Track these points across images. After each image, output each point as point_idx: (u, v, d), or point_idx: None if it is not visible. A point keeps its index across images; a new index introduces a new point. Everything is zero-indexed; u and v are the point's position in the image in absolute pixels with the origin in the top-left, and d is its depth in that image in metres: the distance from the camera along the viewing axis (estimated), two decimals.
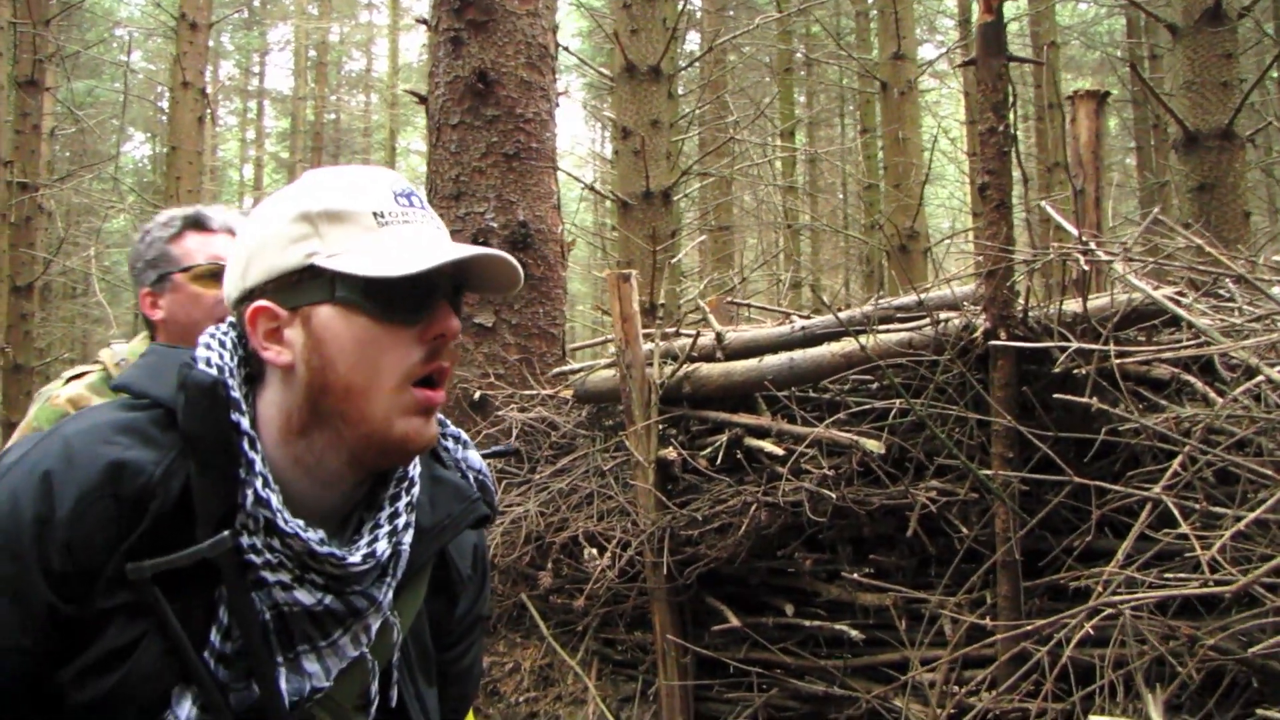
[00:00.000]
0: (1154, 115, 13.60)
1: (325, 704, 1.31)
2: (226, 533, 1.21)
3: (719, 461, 3.91)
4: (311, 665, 1.29)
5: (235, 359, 1.31)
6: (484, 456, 1.58)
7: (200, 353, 1.30)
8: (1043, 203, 3.61)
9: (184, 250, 2.51)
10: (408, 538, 1.35)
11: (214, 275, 2.47)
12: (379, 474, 1.37)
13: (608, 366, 4.52)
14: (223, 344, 1.32)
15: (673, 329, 4.52)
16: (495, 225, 5.47)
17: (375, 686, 1.34)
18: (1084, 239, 3.30)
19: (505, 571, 4.69)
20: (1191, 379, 2.98)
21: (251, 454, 1.24)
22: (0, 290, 10.97)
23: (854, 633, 3.56)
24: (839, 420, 3.58)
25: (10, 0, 10.71)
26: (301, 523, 1.26)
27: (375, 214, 1.29)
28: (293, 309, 1.28)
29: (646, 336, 4.31)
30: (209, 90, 14.36)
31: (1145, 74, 12.54)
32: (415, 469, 1.40)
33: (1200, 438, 2.73)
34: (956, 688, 3.23)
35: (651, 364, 4.17)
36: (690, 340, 4.15)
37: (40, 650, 1.17)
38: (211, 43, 14.82)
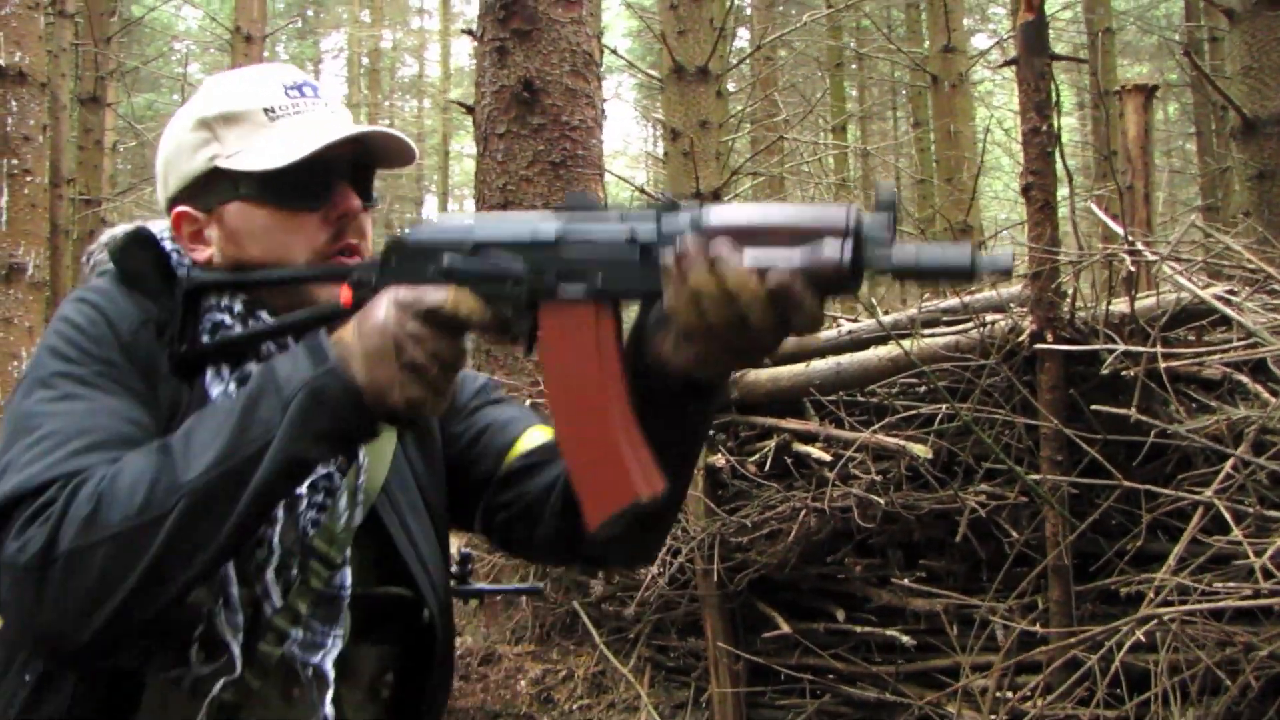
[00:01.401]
0: (1214, 101, 13.33)
1: (320, 532, 1.35)
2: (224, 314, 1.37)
3: (768, 467, 3.90)
4: None
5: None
6: (504, 593, 1.65)
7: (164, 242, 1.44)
8: (1089, 203, 3.56)
9: None
10: None
11: None
12: None
13: None
14: (170, 235, 1.45)
15: None
16: None
17: (343, 503, 1.37)
18: (1130, 238, 3.26)
19: (557, 580, 4.72)
20: (1243, 378, 2.93)
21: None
22: None
23: (905, 638, 3.55)
24: (887, 424, 3.56)
25: (72, 22, 10.94)
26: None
27: (266, 110, 1.38)
28: (207, 210, 1.40)
29: None
30: None
31: (1205, 58, 12.29)
32: None
33: (1253, 440, 2.69)
34: (1009, 694, 3.20)
35: None
36: None
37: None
38: (266, 53, 15.04)
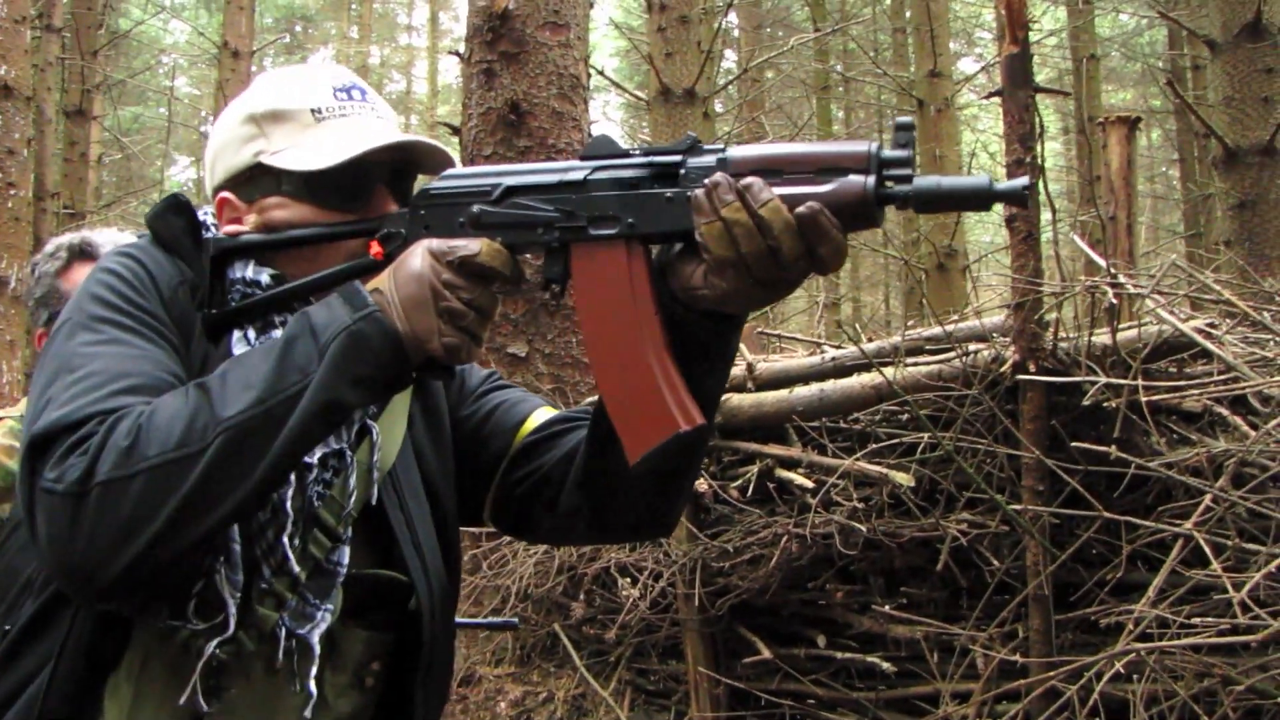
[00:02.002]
0: (1196, 128, 13.44)
1: (327, 504, 1.36)
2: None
3: (750, 492, 3.90)
4: None
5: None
6: (480, 627, 1.65)
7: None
8: (1072, 234, 3.59)
9: (72, 284, 2.34)
10: None
11: None
12: None
13: None
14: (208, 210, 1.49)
15: None
16: (528, 255, 5.51)
17: (354, 479, 1.38)
18: (1113, 269, 3.28)
19: (538, 601, 4.70)
20: (1224, 411, 2.95)
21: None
22: None
23: (886, 665, 3.54)
24: (870, 452, 3.57)
25: (59, 36, 10.92)
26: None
27: (314, 110, 1.42)
28: (249, 201, 1.43)
29: None
30: None
31: (1188, 85, 12.40)
32: None
33: (1232, 473, 2.71)
34: None
35: None
36: None
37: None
38: (254, 68, 15.04)
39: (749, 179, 1.15)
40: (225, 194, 1.45)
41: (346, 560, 1.37)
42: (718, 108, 11.79)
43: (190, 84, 24.86)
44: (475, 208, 1.29)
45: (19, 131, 7.64)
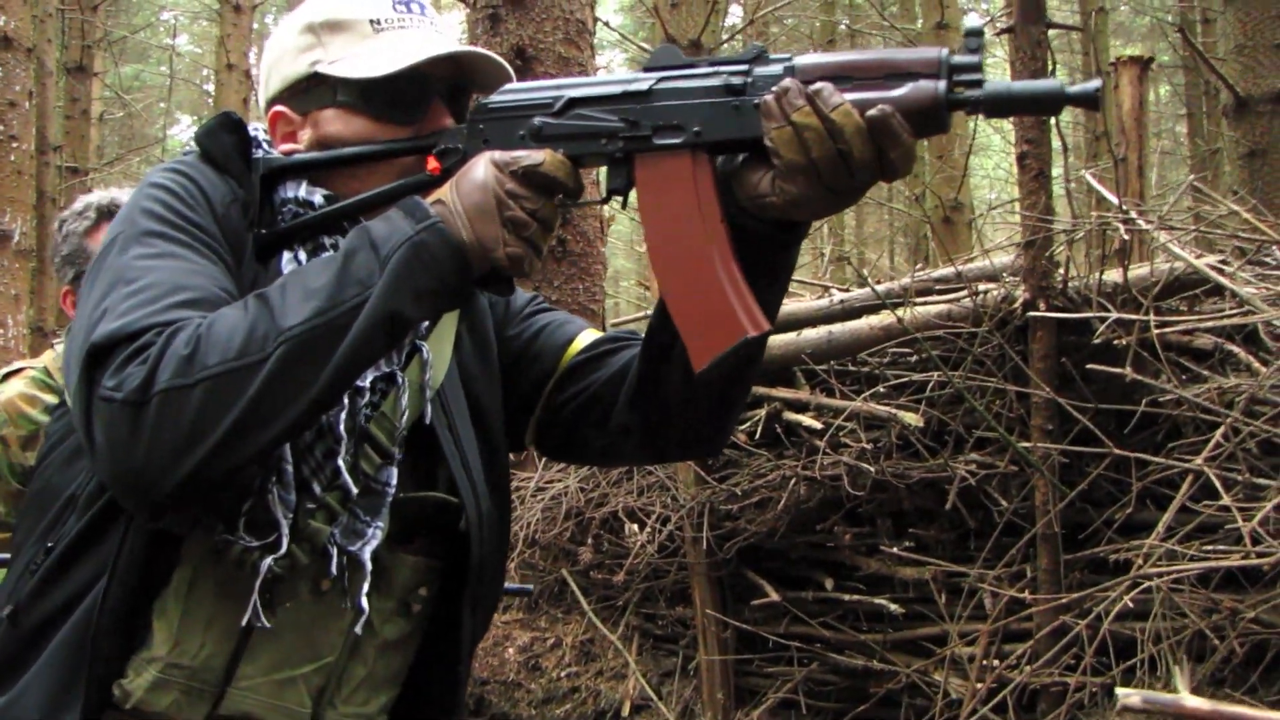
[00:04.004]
0: (1205, 82, 13.32)
1: (378, 421, 1.35)
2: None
3: (758, 436, 3.90)
4: None
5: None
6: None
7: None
8: (1084, 172, 3.56)
9: (100, 244, 2.40)
10: None
11: None
12: None
13: None
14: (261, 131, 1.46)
15: None
16: None
17: (405, 399, 1.37)
18: (1125, 208, 3.25)
19: (546, 547, 4.72)
20: (1235, 348, 2.93)
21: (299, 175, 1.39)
22: (51, 274, 11.14)
23: (893, 607, 3.55)
24: (877, 393, 3.56)
25: None
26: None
27: (372, 21, 1.40)
28: (304, 113, 1.42)
29: None
30: (254, 72, 14.45)
31: (1197, 39, 12.27)
32: None
33: (1244, 408, 2.70)
34: (996, 661, 3.21)
35: None
36: None
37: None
38: (255, 24, 14.92)
39: (819, 84, 1.15)
40: (279, 107, 1.43)
41: (395, 481, 1.35)
42: None
43: (191, 41, 24.68)
44: (536, 120, 1.28)
45: (19, 84, 7.59)
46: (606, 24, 10.74)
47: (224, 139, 1.40)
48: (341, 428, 1.29)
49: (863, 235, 18.81)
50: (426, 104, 1.40)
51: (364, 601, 1.33)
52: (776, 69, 1.20)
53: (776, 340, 3.89)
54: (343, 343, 1.14)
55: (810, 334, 3.76)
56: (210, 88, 18.95)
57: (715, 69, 1.24)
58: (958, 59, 1.14)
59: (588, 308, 5.56)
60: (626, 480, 4.35)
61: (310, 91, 1.41)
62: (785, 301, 4.29)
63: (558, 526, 4.47)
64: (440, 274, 1.20)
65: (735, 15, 17.02)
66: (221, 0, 13.84)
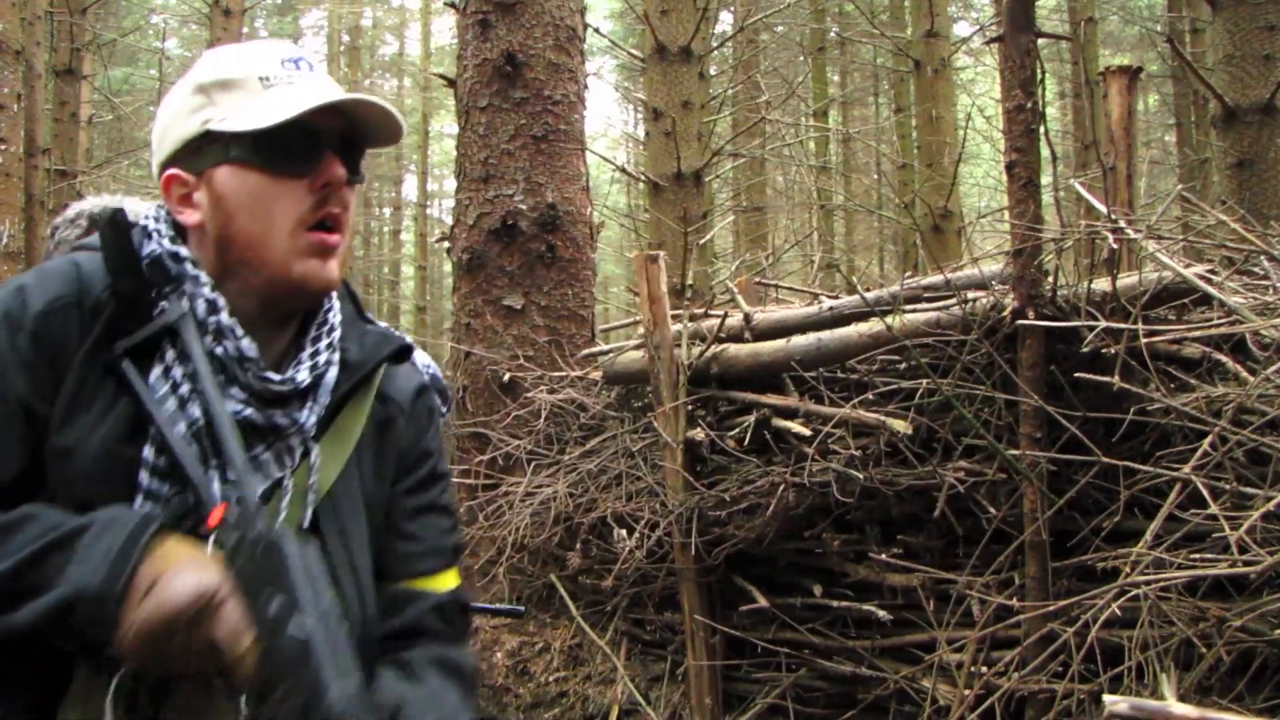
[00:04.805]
0: (1194, 92, 13.38)
1: None
2: (184, 301, 1.38)
3: (747, 442, 3.90)
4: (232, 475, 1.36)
5: (164, 222, 1.46)
6: (488, 613, 1.67)
7: (129, 216, 1.47)
8: (1073, 181, 3.57)
9: None
10: (331, 373, 1.48)
11: None
12: (300, 324, 1.50)
13: (636, 348, 4.52)
14: (154, 212, 1.48)
15: (701, 310, 4.51)
16: (524, 208, 5.48)
17: (291, 505, 1.41)
18: (1113, 217, 3.27)
19: (535, 552, 4.71)
20: (1223, 358, 2.94)
21: (194, 270, 1.41)
22: None
23: (882, 613, 3.56)
24: (866, 400, 3.57)
25: None
26: (239, 327, 1.40)
27: (261, 78, 1.42)
28: (198, 173, 1.43)
29: (675, 318, 4.31)
30: None
31: (1186, 49, 12.33)
32: (335, 317, 1.53)
33: (1231, 418, 2.70)
34: (984, 668, 3.22)
35: (680, 345, 4.17)
36: (718, 321, 4.14)
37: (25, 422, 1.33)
38: (245, 29, 14.88)
39: None
40: (173, 169, 1.44)
41: None
42: (712, 70, 11.72)
43: (181, 45, 24.64)
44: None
45: (8, 86, 7.58)
46: (597, 30, 10.76)
47: (109, 242, 1.42)
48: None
49: (852, 243, 18.85)
50: (319, 155, 1.41)
51: (243, 703, 1.32)
52: None
53: (766, 347, 3.90)
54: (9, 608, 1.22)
55: (799, 341, 3.77)
56: None
57: None
58: None
59: (577, 313, 5.56)
60: (615, 486, 4.35)
61: (202, 150, 1.42)
62: (775, 308, 4.30)
63: (546, 531, 4.47)
64: (83, 632, 1.22)
65: (725, 22, 17.06)
66: (211, 4, 13.81)
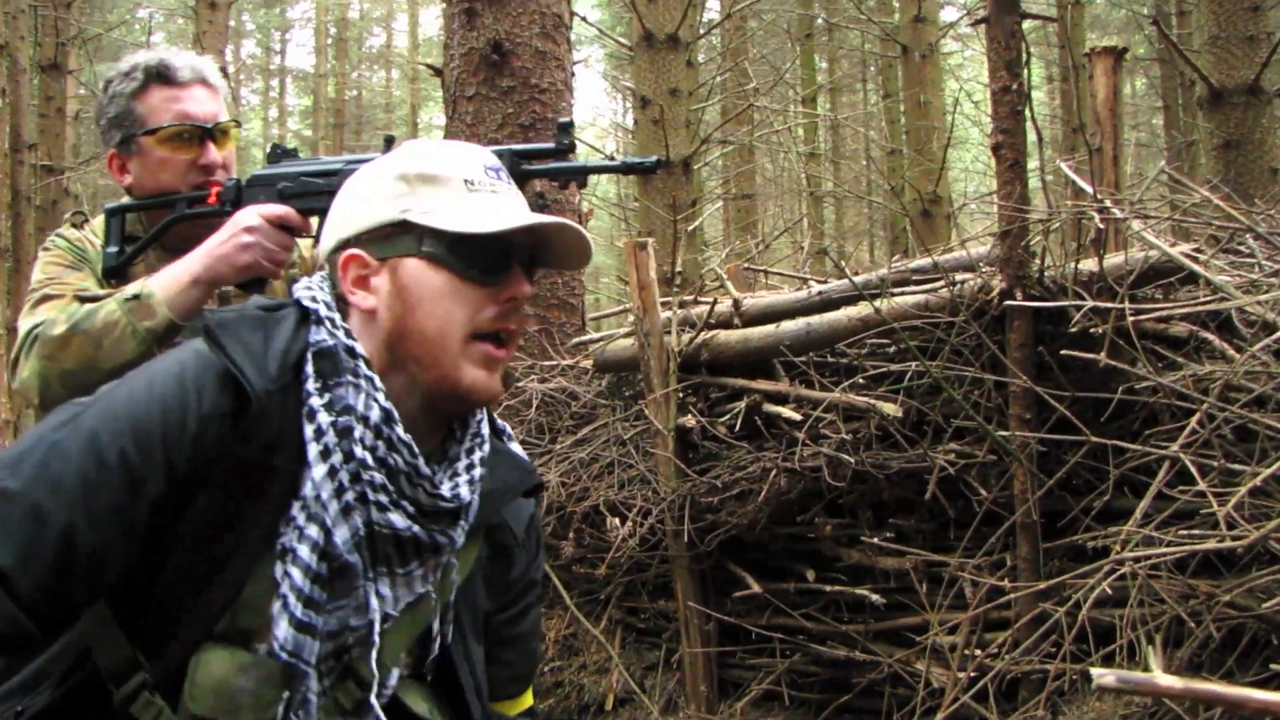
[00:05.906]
0: (1181, 74, 13.40)
1: (384, 638, 1.39)
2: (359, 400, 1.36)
3: (738, 428, 3.91)
4: (385, 589, 1.38)
5: (334, 308, 1.43)
6: None
7: (300, 292, 1.44)
8: (1060, 162, 3.57)
9: (149, 108, 2.26)
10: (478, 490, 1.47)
11: (183, 137, 2.24)
12: (449, 429, 1.49)
13: (626, 336, 4.52)
14: (320, 286, 1.46)
15: (691, 297, 4.51)
16: None
17: (437, 623, 1.43)
18: (1100, 197, 3.27)
19: None
20: (1209, 336, 2.95)
21: (369, 372, 1.37)
22: (27, 273, 11.04)
23: (875, 597, 3.57)
24: (856, 384, 3.57)
25: None
26: (412, 440, 1.37)
27: (466, 181, 1.42)
28: (382, 259, 1.41)
29: (665, 305, 4.30)
30: (230, 69, 14.35)
31: (1172, 31, 12.34)
32: (485, 429, 1.52)
33: (1218, 395, 2.71)
34: (977, 650, 3.23)
35: (670, 332, 4.17)
36: (708, 308, 4.14)
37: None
38: (232, 22, 14.83)
39: None
40: (355, 250, 1.43)
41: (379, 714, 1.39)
42: (700, 58, 11.70)
43: (167, 39, 24.51)
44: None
45: None
46: (584, 19, 10.74)
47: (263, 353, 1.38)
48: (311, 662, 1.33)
49: (842, 229, 18.86)
50: (509, 268, 1.42)
51: None
52: None
53: (756, 332, 3.90)
54: None
55: (789, 326, 3.77)
56: None
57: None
58: None
59: (567, 301, 5.56)
60: (607, 474, 4.35)
61: (394, 239, 1.41)
62: (764, 293, 4.30)
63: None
64: None
65: (713, 10, 17.02)
66: None
